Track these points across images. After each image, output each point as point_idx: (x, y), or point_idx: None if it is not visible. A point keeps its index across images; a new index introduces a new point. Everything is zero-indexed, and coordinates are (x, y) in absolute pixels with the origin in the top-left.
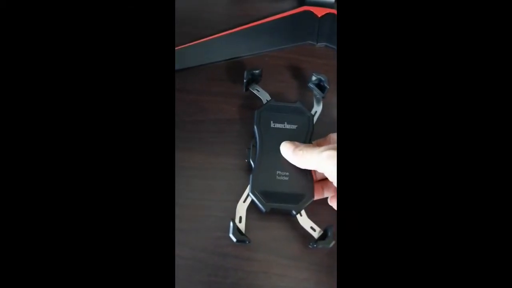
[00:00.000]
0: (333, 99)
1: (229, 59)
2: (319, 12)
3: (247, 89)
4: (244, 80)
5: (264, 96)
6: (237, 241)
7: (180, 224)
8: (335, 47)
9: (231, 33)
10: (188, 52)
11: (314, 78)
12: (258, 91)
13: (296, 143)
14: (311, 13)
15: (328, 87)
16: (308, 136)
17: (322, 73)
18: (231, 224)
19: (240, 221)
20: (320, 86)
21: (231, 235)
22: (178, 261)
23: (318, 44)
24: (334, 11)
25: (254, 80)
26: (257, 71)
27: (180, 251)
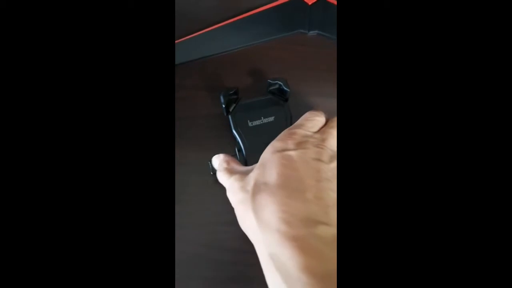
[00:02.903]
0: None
1: (220, 53)
2: None
3: (228, 113)
4: (223, 106)
5: None
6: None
7: (176, 220)
8: (327, 34)
9: (221, 26)
10: (179, 48)
11: (272, 85)
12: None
13: (228, 160)
14: (302, 1)
15: (288, 90)
16: (287, 123)
17: (317, 61)
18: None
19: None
20: (280, 90)
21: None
22: (176, 257)
23: (310, 32)
24: None
25: (233, 101)
26: (232, 91)
27: (178, 246)
